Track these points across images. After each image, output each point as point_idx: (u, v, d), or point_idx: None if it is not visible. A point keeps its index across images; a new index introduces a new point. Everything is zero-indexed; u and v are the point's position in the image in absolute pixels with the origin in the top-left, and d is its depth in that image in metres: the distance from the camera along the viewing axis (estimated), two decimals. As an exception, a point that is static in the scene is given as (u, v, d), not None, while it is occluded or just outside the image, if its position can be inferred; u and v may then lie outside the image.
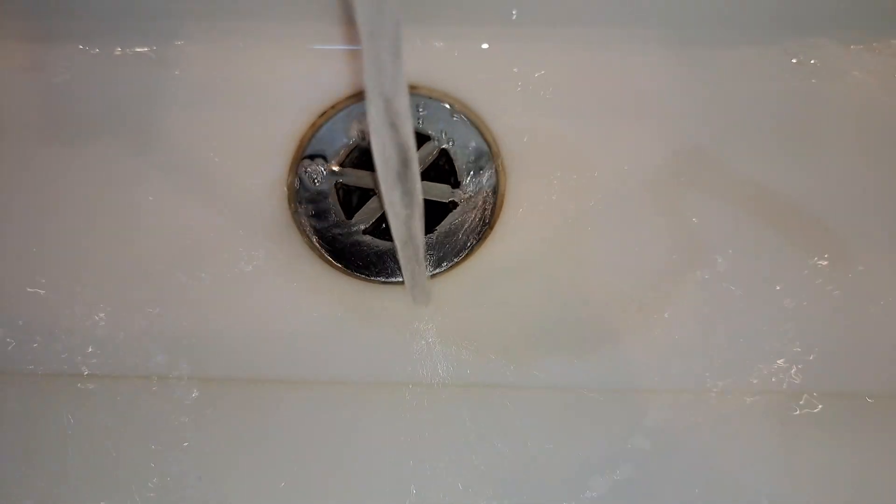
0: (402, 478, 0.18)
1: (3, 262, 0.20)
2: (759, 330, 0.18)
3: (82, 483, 0.18)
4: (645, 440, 0.18)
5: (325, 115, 0.21)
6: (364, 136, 0.20)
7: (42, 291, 0.19)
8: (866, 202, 0.19)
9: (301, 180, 0.20)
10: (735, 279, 0.18)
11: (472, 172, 0.20)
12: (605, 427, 0.18)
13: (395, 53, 0.14)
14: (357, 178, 0.20)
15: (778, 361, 0.18)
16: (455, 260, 0.19)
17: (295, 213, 0.20)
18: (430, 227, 0.20)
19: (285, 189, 0.20)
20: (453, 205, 0.20)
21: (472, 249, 0.19)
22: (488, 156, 0.20)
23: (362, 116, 0.20)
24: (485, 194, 0.20)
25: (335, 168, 0.20)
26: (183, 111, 0.21)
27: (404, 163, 0.15)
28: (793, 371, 0.18)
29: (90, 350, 0.19)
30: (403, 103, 0.14)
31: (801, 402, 0.18)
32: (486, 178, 0.20)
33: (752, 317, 0.18)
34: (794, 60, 0.21)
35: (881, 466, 0.18)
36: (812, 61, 0.21)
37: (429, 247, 0.19)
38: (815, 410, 0.18)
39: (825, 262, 0.19)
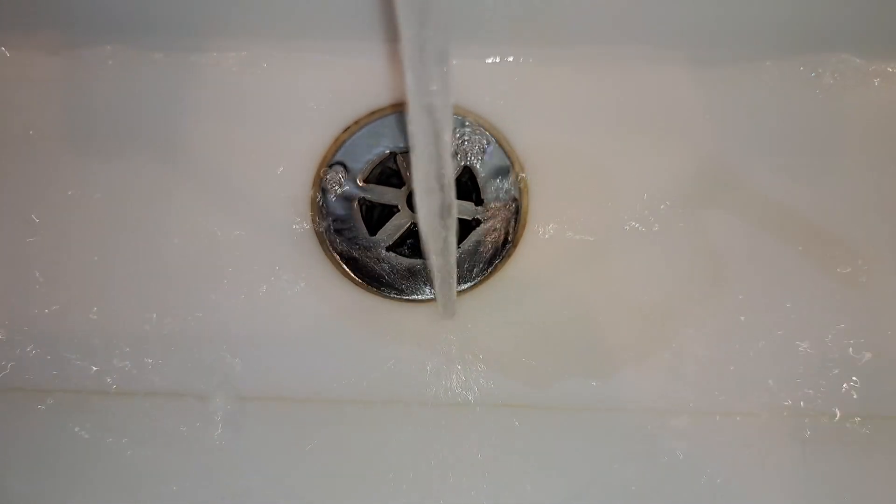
0: (427, 493, 0.18)
1: (27, 276, 0.19)
2: (780, 350, 0.18)
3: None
4: (665, 459, 0.19)
5: (349, 131, 0.20)
6: (392, 151, 0.19)
7: (61, 306, 0.19)
8: (885, 218, 0.20)
9: (324, 195, 0.20)
10: (756, 298, 0.19)
11: (494, 190, 0.20)
12: (629, 446, 0.18)
13: (441, 64, 0.14)
14: (380, 194, 0.20)
15: (798, 381, 0.19)
16: (479, 278, 0.19)
17: (318, 228, 0.20)
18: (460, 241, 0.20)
19: (308, 203, 0.20)
20: (476, 222, 0.20)
21: (496, 267, 0.20)
22: (511, 172, 0.20)
23: (387, 131, 0.20)
24: (508, 212, 0.20)
25: (359, 183, 0.20)
26: (207, 124, 0.20)
27: (440, 178, 0.15)
28: (816, 391, 0.19)
29: (115, 364, 0.19)
30: (447, 116, 0.14)
31: (824, 422, 0.18)
32: (509, 195, 0.20)
33: (774, 337, 0.19)
34: (812, 75, 0.21)
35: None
36: (832, 76, 0.21)
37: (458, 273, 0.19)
38: (846, 428, 0.19)
39: (846, 280, 0.19)
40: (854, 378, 0.18)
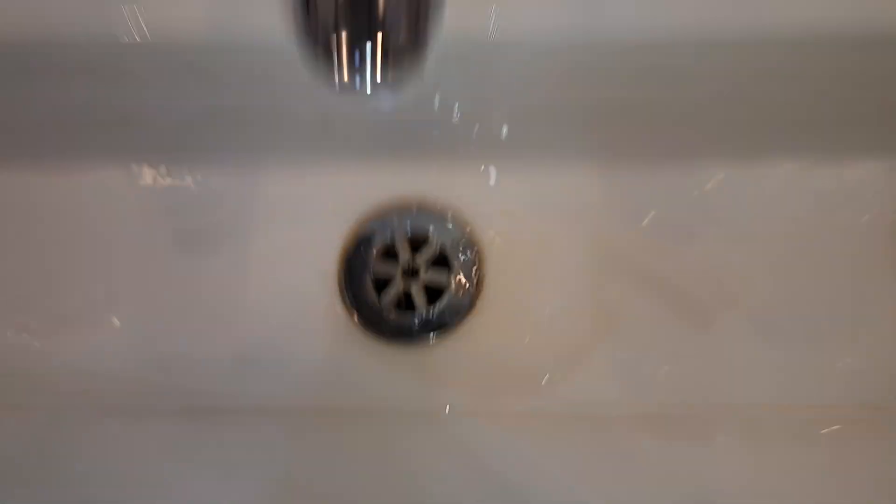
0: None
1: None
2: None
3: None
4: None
5: (366, 220, 0.28)
6: (392, 241, 0.28)
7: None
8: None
9: (347, 272, 0.28)
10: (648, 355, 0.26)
11: (461, 265, 0.28)
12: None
13: None
14: (385, 269, 0.28)
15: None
16: (449, 330, 0.27)
17: (342, 298, 0.28)
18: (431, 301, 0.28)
19: (336, 279, 0.28)
20: (447, 287, 0.27)
21: (460, 320, 0.27)
22: (474, 255, 0.28)
23: (388, 226, 0.28)
24: (470, 282, 0.28)
25: (371, 263, 0.28)
26: (253, 224, 0.28)
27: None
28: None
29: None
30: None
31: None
32: (471, 271, 0.28)
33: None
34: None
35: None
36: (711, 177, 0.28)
37: (429, 320, 0.27)
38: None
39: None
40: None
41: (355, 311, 0.27)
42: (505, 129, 0.27)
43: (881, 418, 0.25)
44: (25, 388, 0.26)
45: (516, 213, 0.28)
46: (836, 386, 0.26)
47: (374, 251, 0.28)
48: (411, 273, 0.27)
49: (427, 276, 0.27)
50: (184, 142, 0.27)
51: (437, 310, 0.27)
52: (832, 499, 0.24)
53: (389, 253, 0.28)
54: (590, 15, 0.22)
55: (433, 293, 0.27)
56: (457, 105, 0.26)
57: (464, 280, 0.27)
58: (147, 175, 0.28)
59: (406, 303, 0.27)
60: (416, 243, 0.28)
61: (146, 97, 0.26)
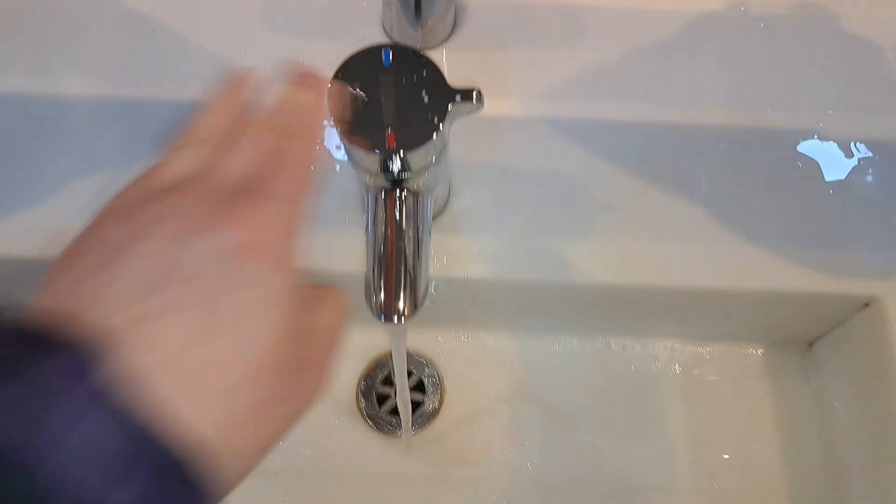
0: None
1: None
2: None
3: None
4: None
5: (373, 363, 0.46)
6: (389, 374, 0.45)
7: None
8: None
9: (362, 397, 0.44)
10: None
11: (431, 389, 0.45)
12: None
13: (403, 347, 0.39)
14: (384, 391, 0.45)
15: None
16: (424, 427, 0.44)
17: (360, 407, 0.44)
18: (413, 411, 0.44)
19: (354, 403, 0.44)
20: (422, 403, 0.45)
21: (432, 421, 0.44)
22: (439, 383, 0.45)
23: (386, 365, 0.45)
24: (436, 399, 0.45)
25: (377, 389, 0.45)
26: None
27: (404, 388, 0.40)
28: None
29: None
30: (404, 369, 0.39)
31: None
32: (437, 393, 0.45)
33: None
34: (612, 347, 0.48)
35: None
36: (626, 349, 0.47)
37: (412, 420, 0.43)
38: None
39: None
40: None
41: (366, 416, 0.43)
42: (468, 315, 0.45)
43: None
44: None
45: (468, 361, 0.45)
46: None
47: (377, 380, 0.44)
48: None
49: (410, 395, 0.44)
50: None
51: (416, 416, 0.43)
52: None
53: (387, 381, 0.45)
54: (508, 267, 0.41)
55: (414, 406, 0.44)
56: (433, 299, 0.44)
57: (432, 399, 0.44)
58: None
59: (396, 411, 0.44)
60: (407, 374, 0.45)
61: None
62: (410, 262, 0.29)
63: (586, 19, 0.45)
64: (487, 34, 0.44)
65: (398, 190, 0.29)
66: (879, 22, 0.45)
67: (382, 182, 0.29)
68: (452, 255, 0.38)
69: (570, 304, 0.41)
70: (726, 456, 0.42)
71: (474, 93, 0.27)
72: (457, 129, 0.38)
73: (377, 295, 0.29)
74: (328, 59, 0.28)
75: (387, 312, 0.28)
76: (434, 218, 0.38)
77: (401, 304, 0.29)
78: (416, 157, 0.27)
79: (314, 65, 0.25)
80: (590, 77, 0.43)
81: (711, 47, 0.44)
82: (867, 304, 0.38)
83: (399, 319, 0.28)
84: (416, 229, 0.30)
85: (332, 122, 0.26)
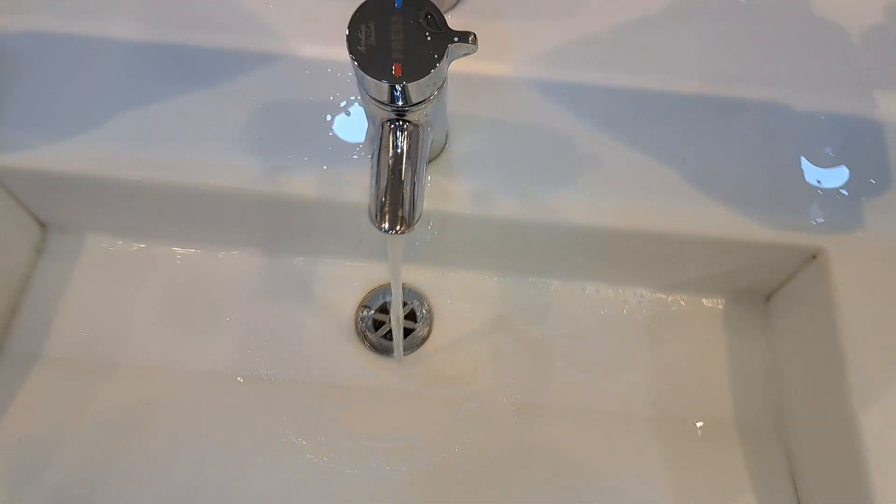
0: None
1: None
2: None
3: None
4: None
5: (371, 292, 0.50)
6: (386, 303, 0.49)
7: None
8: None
9: (359, 322, 0.49)
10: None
11: (422, 319, 0.50)
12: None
13: (399, 260, 0.44)
14: (381, 318, 0.49)
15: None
16: (415, 350, 0.49)
17: (358, 331, 0.49)
18: (406, 336, 0.49)
19: (353, 325, 0.49)
20: (413, 329, 0.49)
21: (421, 346, 0.49)
22: (428, 316, 0.50)
23: (386, 292, 0.50)
24: (426, 328, 0.49)
25: (374, 315, 0.49)
26: (315, 290, 0.50)
27: (398, 297, 0.44)
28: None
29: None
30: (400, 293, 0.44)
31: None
32: (427, 322, 0.49)
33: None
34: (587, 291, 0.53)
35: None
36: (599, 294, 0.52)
37: (405, 345, 0.48)
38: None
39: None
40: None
41: (363, 338, 0.48)
42: (455, 255, 0.50)
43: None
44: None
45: (456, 296, 0.50)
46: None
47: (374, 308, 0.49)
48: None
49: (404, 323, 0.49)
50: (281, 240, 0.49)
51: (407, 341, 0.48)
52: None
53: (383, 309, 0.49)
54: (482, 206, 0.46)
55: (407, 332, 0.48)
56: (427, 238, 0.49)
57: (423, 328, 0.49)
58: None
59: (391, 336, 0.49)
60: (402, 303, 0.49)
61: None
62: (409, 184, 0.34)
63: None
64: (489, 5, 0.48)
65: (401, 121, 0.34)
66: (847, 8, 0.49)
67: (389, 114, 0.34)
68: (446, 193, 0.43)
69: (550, 245, 0.45)
70: (682, 390, 0.46)
71: (470, 36, 0.31)
72: (457, 86, 0.42)
73: (381, 210, 0.33)
74: (348, 9, 0.32)
75: (389, 224, 0.33)
76: (432, 160, 0.43)
77: (399, 218, 0.33)
78: (418, 89, 0.32)
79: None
80: (579, 46, 0.47)
81: (693, 24, 0.48)
82: (815, 256, 0.42)
83: (398, 230, 0.33)
84: (415, 157, 0.34)
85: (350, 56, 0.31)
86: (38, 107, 0.44)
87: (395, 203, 0.33)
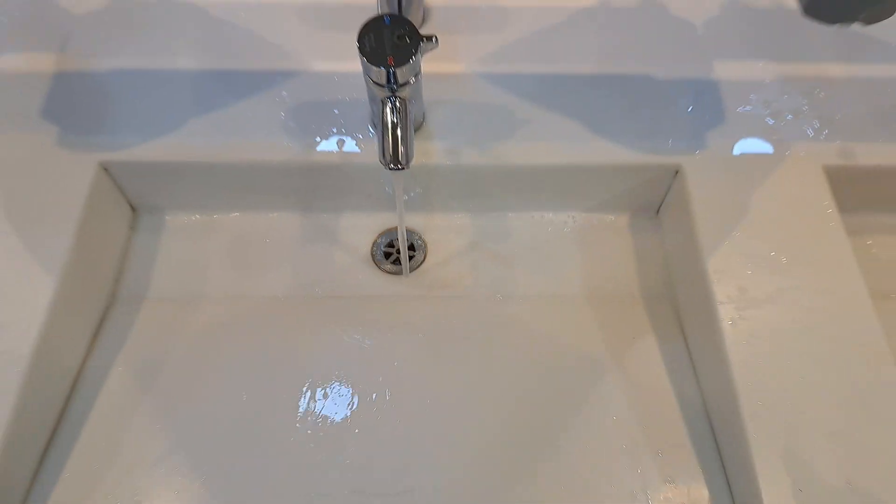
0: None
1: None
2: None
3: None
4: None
5: (380, 234, 0.68)
6: (392, 241, 0.67)
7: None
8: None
9: (374, 254, 0.67)
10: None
11: (419, 248, 0.67)
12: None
13: (401, 190, 0.62)
14: (389, 249, 0.67)
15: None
16: (416, 269, 0.66)
17: (374, 261, 0.66)
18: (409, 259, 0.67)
19: (370, 257, 0.66)
20: (413, 256, 0.67)
21: (420, 266, 0.66)
22: (424, 246, 0.68)
23: (391, 234, 0.68)
24: (423, 254, 0.67)
25: (384, 249, 0.67)
26: (341, 232, 0.68)
27: (402, 220, 0.62)
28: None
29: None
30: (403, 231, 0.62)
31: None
32: (423, 250, 0.67)
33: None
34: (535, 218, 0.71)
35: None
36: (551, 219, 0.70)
37: (408, 277, 0.66)
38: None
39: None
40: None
41: (376, 264, 0.66)
42: (440, 201, 0.68)
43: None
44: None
45: (440, 229, 0.68)
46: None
47: (384, 245, 0.67)
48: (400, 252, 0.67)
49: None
50: (320, 201, 0.67)
51: (410, 264, 0.66)
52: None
53: (390, 245, 0.67)
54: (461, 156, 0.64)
55: (409, 257, 0.66)
56: (417, 190, 0.67)
57: (420, 254, 0.66)
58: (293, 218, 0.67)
59: (397, 263, 0.66)
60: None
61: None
62: (403, 138, 0.52)
63: (509, 15, 0.69)
64: (446, 24, 0.68)
65: (394, 96, 0.53)
66: (693, 8, 0.70)
67: (386, 92, 0.53)
68: (427, 152, 0.61)
69: (503, 184, 0.64)
70: (606, 277, 0.64)
71: (434, 37, 0.51)
72: (429, 82, 0.61)
73: (387, 154, 0.52)
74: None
75: (393, 163, 0.51)
76: (416, 131, 0.62)
77: (399, 158, 0.52)
78: (403, 72, 0.50)
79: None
80: (510, 48, 0.67)
81: (586, 28, 0.68)
82: (677, 172, 0.62)
83: (399, 167, 0.51)
84: (405, 120, 0.53)
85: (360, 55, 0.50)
86: (129, 119, 0.62)
87: (395, 150, 0.52)
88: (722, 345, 0.52)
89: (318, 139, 0.62)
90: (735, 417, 0.49)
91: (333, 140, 0.62)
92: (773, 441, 0.47)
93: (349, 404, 0.56)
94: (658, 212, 0.68)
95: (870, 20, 0.44)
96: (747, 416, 0.48)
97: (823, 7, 0.44)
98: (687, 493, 0.51)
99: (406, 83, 0.52)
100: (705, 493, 0.51)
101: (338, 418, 0.55)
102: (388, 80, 0.51)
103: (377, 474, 0.52)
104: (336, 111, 0.63)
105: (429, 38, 0.51)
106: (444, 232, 0.66)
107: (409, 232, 0.67)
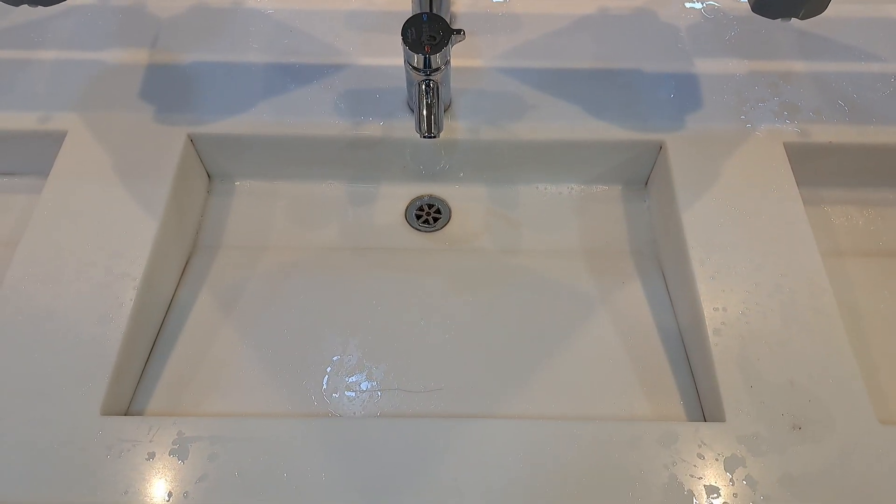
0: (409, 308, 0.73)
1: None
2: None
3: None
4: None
5: (412, 200, 0.78)
6: (422, 206, 0.78)
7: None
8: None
9: (408, 213, 0.77)
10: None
11: (444, 213, 0.77)
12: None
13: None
14: (420, 213, 0.78)
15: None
16: (442, 229, 0.76)
17: (406, 221, 0.77)
18: (436, 222, 0.77)
19: (404, 218, 0.77)
20: (439, 218, 0.77)
21: (445, 227, 0.76)
22: (448, 211, 0.78)
23: (421, 201, 0.78)
24: (447, 218, 0.77)
25: (415, 212, 0.77)
26: (378, 196, 0.78)
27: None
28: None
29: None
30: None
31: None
32: (448, 213, 0.77)
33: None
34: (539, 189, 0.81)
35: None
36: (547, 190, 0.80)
37: (435, 228, 0.76)
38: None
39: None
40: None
41: (409, 225, 0.76)
42: (462, 174, 0.78)
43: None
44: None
45: (462, 197, 0.78)
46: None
47: (415, 209, 0.77)
48: (429, 214, 0.77)
49: (433, 215, 0.77)
50: (351, 170, 0.78)
51: (437, 225, 0.76)
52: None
53: (420, 208, 0.77)
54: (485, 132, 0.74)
55: (436, 220, 0.76)
56: (444, 164, 0.77)
57: (445, 217, 0.76)
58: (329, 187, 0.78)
59: (426, 223, 0.76)
60: (431, 205, 0.77)
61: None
62: (436, 111, 0.63)
63: (521, 19, 0.80)
64: (468, 27, 0.79)
65: (429, 80, 0.63)
66: (676, 13, 0.80)
67: (422, 76, 0.63)
68: (453, 129, 0.72)
69: (516, 157, 0.74)
70: (600, 223, 0.74)
71: (462, 31, 0.61)
72: (455, 75, 0.72)
73: (422, 125, 0.62)
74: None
75: (427, 131, 0.62)
76: (444, 112, 0.72)
77: (432, 128, 0.62)
78: (437, 59, 0.61)
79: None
80: (522, 47, 0.78)
81: (586, 31, 0.79)
82: (661, 147, 0.71)
83: (432, 135, 0.62)
84: (437, 98, 0.63)
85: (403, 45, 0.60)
86: (210, 102, 0.73)
87: (429, 121, 0.62)
88: (693, 280, 0.61)
89: (361, 119, 0.72)
90: (701, 336, 0.58)
91: (375, 120, 0.72)
92: (730, 351, 0.56)
93: (388, 326, 0.66)
94: (647, 184, 0.78)
95: (806, 15, 0.54)
96: (710, 332, 0.57)
97: (769, 4, 0.54)
98: (662, 398, 0.61)
99: (438, 69, 0.63)
100: (677, 397, 0.60)
101: (380, 335, 0.65)
102: (425, 66, 0.62)
103: (412, 377, 0.62)
104: (377, 96, 0.74)
105: (457, 31, 0.61)
106: (465, 200, 0.76)
107: (436, 199, 0.77)
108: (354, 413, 0.59)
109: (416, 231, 0.75)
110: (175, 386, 0.60)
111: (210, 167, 0.77)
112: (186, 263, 0.71)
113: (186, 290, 0.69)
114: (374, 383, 0.62)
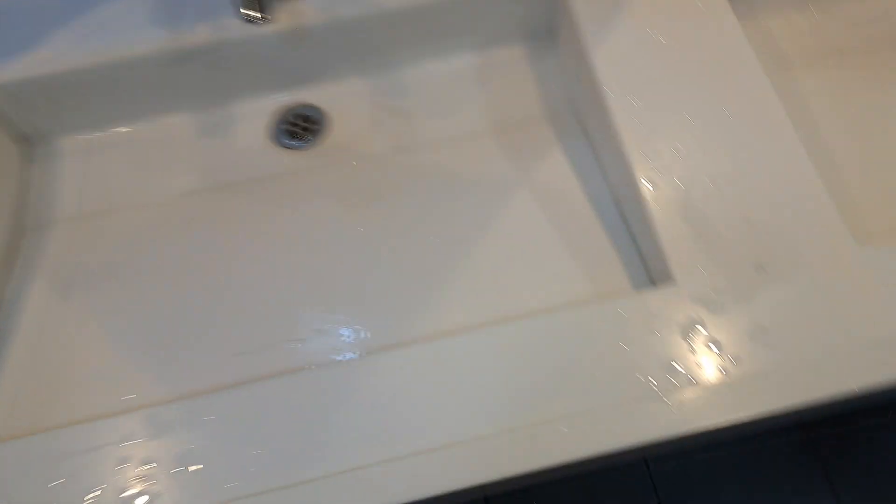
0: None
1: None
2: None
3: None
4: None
5: (277, 112, 0.64)
6: (289, 115, 0.64)
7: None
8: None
9: (276, 131, 0.63)
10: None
11: (319, 121, 0.64)
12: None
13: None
14: (294, 125, 0.64)
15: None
16: (322, 137, 0.63)
17: (276, 141, 0.63)
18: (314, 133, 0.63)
19: (271, 134, 0.63)
20: (317, 127, 0.64)
21: (322, 137, 0.63)
22: (322, 118, 0.64)
23: (287, 112, 0.64)
24: (323, 125, 0.63)
25: (284, 127, 0.64)
26: (247, 105, 0.64)
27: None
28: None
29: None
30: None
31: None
32: (322, 123, 0.64)
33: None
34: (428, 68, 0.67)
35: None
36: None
37: (308, 140, 0.62)
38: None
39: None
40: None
41: (280, 143, 0.62)
42: (329, 69, 0.64)
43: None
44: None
45: (335, 96, 0.64)
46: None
47: (284, 123, 0.63)
48: (300, 127, 0.63)
49: (306, 126, 0.63)
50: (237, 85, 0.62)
51: (315, 138, 0.62)
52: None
53: (289, 121, 0.63)
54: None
55: (314, 131, 0.63)
56: (304, 57, 0.63)
57: (321, 125, 0.63)
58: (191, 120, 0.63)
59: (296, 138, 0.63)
60: (301, 115, 0.63)
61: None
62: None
63: None
64: None
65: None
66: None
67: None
68: (300, 13, 0.57)
69: (387, 33, 0.60)
70: (506, 109, 0.62)
71: None
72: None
73: (243, 3, 0.47)
74: None
75: (248, 7, 0.47)
76: (283, -7, 0.57)
77: (256, 8, 0.47)
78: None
79: None
80: None
81: None
82: (555, -18, 0.58)
83: (261, 18, 0.47)
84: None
85: None
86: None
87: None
88: (616, 130, 0.50)
89: (182, 25, 0.56)
90: (635, 190, 0.48)
91: (200, 22, 0.57)
92: (670, 201, 0.46)
93: (278, 270, 0.54)
94: (550, 33, 0.64)
95: None
96: (644, 181, 0.47)
97: None
98: (607, 273, 0.51)
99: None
100: (621, 268, 0.51)
101: (272, 283, 0.53)
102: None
103: (328, 322, 0.51)
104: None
105: None
106: (341, 100, 0.63)
107: (306, 106, 0.63)
108: (272, 373, 0.49)
109: (289, 150, 0.61)
110: (34, 397, 0.48)
111: (18, 128, 0.61)
112: (11, 251, 0.56)
113: (16, 283, 0.55)
114: (283, 336, 0.50)
